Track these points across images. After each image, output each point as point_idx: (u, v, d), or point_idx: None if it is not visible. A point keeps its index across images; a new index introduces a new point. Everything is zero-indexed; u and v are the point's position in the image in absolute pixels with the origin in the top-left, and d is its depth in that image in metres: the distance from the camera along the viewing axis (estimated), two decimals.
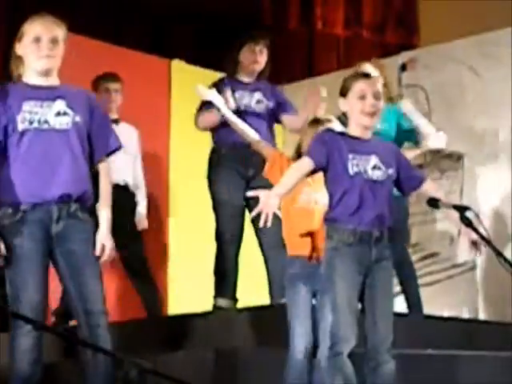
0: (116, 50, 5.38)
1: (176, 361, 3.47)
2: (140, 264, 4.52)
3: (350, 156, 3.00)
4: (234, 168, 4.12)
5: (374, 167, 3.02)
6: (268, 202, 2.81)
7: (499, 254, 2.82)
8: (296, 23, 6.32)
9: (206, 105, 4.06)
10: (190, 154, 5.44)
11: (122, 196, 4.14)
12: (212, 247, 4.22)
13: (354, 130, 3.04)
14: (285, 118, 4.27)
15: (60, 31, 3.05)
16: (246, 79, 4.25)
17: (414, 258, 4.69)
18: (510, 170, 5.18)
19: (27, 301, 2.91)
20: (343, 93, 3.07)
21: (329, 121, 3.42)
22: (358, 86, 3.04)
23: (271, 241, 3.94)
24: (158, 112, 5.55)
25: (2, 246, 2.90)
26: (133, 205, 4.52)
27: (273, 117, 4.27)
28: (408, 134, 4.25)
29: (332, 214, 2.98)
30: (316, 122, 3.44)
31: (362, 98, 3.00)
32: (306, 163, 2.97)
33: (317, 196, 3.33)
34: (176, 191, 5.63)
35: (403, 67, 4.53)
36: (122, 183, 4.37)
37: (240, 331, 3.74)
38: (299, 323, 3.29)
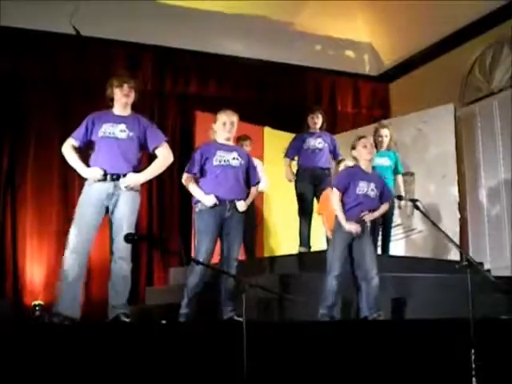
0: None
1: (264, 281, 4.86)
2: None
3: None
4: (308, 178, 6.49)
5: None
6: None
7: (438, 227, 4.22)
8: None
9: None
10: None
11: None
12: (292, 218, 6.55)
13: None
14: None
15: (235, 118, 4.84)
16: (312, 131, 6.66)
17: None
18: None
19: (204, 250, 4.68)
20: None
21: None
22: None
23: None
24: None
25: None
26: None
27: (331, 153, 6.60)
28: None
29: None
30: None
31: None
32: None
33: None
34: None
35: None
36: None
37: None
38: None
